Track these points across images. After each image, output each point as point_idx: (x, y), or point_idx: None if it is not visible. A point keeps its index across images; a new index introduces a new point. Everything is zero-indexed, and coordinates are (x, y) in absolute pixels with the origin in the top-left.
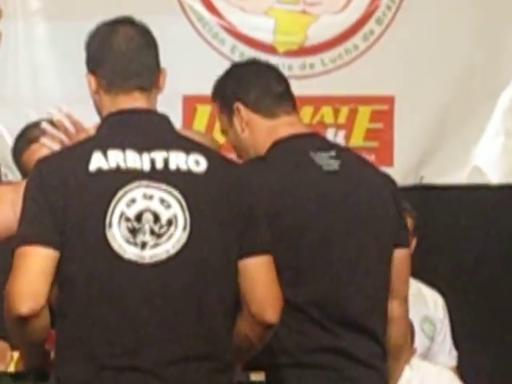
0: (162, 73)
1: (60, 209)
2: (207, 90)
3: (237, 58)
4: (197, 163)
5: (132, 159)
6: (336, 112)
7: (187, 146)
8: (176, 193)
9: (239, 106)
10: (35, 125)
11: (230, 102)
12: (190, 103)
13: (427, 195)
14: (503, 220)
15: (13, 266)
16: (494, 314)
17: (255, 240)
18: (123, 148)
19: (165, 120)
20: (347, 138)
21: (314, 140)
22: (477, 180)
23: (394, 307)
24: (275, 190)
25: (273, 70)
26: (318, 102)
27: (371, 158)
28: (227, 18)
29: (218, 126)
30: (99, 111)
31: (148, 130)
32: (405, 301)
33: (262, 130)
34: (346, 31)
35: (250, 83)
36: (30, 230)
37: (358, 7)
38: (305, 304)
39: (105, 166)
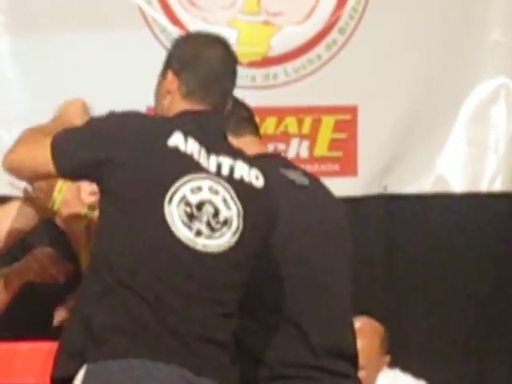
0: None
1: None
2: None
3: None
4: (257, 178)
5: (204, 156)
6: (300, 122)
7: (249, 159)
8: (236, 198)
9: None
10: None
11: None
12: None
13: (391, 204)
14: (467, 228)
15: None
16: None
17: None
18: (200, 142)
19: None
20: (311, 148)
21: (280, 159)
22: (440, 189)
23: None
24: None
25: (239, 102)
26: (281, 112)
27: (335, 167)
28: (190, 30)
29: None
30: (160, 109)
31: (218, 135)
32: None
33: None
34: (308, 41)
35: None
36: None
37: (320, 17)
38: (292, 319)
39: (182, 147)
